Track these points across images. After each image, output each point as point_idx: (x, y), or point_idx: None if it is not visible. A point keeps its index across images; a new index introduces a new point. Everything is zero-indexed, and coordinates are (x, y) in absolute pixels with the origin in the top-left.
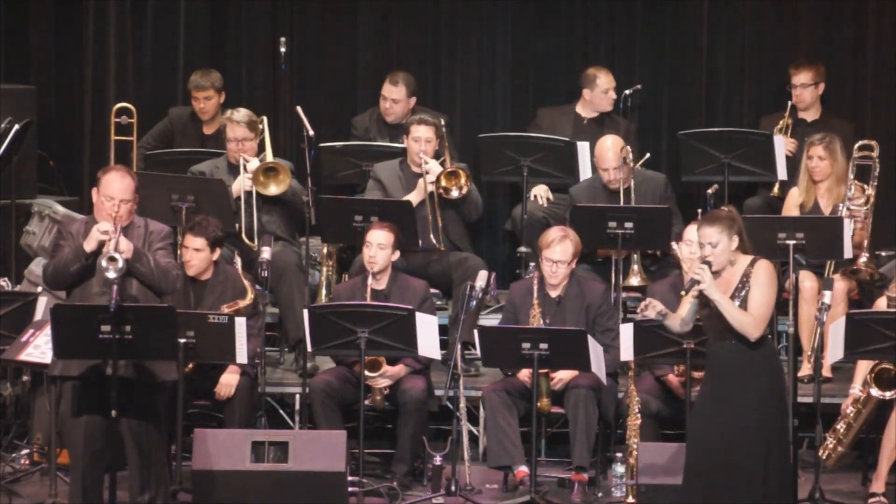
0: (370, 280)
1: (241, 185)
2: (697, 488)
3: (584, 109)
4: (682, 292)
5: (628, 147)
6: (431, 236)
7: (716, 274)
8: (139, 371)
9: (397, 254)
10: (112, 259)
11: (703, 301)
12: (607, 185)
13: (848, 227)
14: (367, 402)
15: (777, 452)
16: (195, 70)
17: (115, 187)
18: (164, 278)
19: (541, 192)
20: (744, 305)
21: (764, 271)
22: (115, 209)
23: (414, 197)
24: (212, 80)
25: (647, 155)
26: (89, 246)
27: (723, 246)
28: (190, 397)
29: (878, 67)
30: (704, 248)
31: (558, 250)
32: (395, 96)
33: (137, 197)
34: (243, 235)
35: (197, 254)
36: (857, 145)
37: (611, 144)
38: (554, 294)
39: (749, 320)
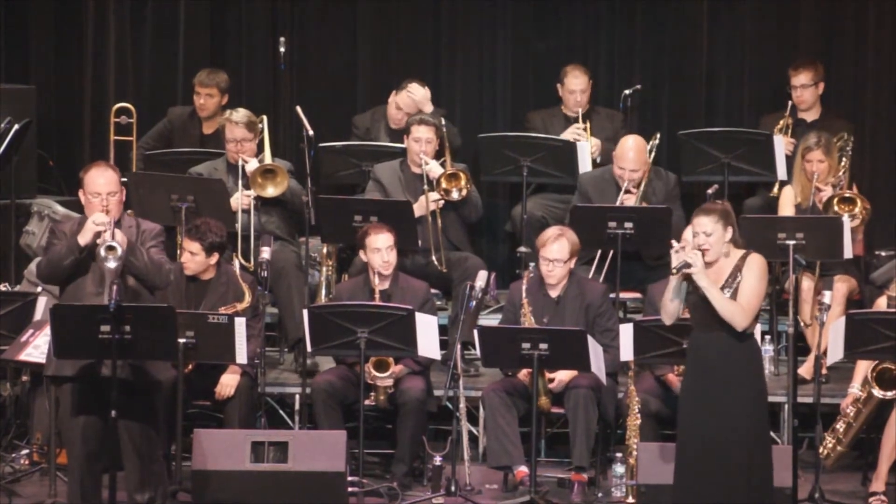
0: (376, 280)
1: (238, 201)
2: (688, 481)
3: (567, 108)
4: (673, 269)
5: (650, 154)
6: (433, 257)
7: (709, 265)
8: (134, 371)
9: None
10: (111, 248)
11: (693, 287)
12: (620, 180)
13: (847, 226)
14: (369, 401)
15: (760, 446)
16: (195, 70)
17: (99, 182)
18: (157, 272)
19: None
20: (734, 297)
21: (756, 264)
22: (104, 203)
23: (416, 211)
24: (217, 80)
25: (657, 137)
26: (84, 239)
27: (717, 236)
28: (190, 397)
29: (877, 66)
30: (699, 236)
31: (554, 248)
32: (411, 109)
33: (124, 189)
34: (239, 256)
35: (192, 257)
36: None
37: (632, 144)
38: (553, 294)
39: (737, 310)
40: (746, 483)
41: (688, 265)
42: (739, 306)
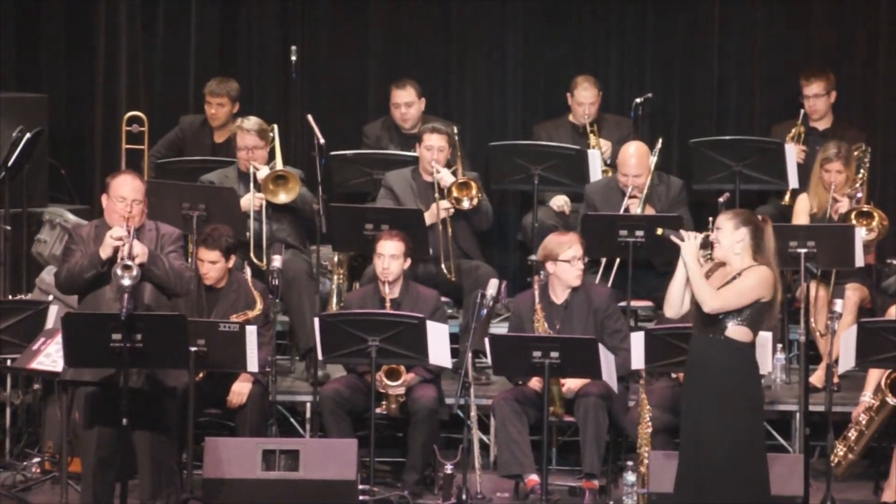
0: (386, 289)
1: (250, 202)
2: (685, 484)
3: (576, 118)
4: (658, 230)
5: (653, 158)
6: (443, 265)
7: (720, 264)
8: (149, 379)
9: (408, 262)
10: (127, 267)
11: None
12: (623, 187)
13: (860, 238)
14: (380, 409)
15: (747, 450)
16: (207, 78)
17: (127, 188)
18: (179, 280)
19: (562, 203)
20: None
21: (755, 273)
22: (127, 209)
23: (427, 220)
24: (227, 89)
25: (660, 141)
26: (105, 253)
27: (726, 232)
28: (201, 405)
29: (889, 74)
30: (713, 231)
31: (575, 249)
32: (406, 99)
33: (147, 201)
34: (252, 255)
35: (213, 266)
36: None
37: (634, 151)
38: (559, 301)
39: (710, 291)
40: (738, 489)
41: (680, 238)
42: (714, 290)
